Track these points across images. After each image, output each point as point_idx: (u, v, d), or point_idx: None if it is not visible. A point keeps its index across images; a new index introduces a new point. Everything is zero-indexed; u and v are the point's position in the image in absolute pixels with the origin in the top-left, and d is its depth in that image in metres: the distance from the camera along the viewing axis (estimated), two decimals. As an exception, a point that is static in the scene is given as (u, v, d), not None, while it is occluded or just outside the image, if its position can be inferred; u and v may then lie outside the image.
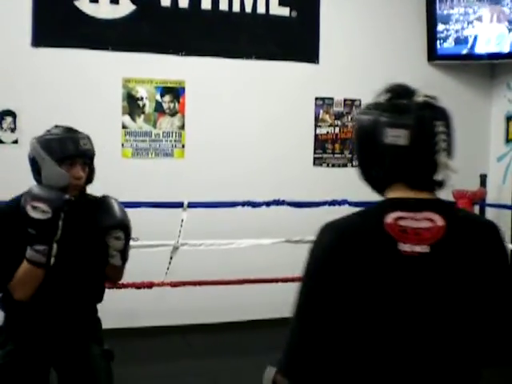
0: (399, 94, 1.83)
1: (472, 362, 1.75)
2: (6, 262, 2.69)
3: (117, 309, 6.03)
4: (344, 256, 1.68)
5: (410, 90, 1.84)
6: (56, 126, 2.92)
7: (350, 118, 6.79)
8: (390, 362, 1.68)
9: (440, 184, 1.79)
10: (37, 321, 2.83)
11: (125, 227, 2.88)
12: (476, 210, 6.67)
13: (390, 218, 1.70)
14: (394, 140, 1.73)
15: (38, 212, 2.60)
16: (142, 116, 6.23)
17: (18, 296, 2.72)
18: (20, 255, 2.67)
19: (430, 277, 1.68)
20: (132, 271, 5.53)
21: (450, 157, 1.81)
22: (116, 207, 2.90)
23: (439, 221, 1.71)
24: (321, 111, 6.73)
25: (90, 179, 2.91)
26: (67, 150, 2.76)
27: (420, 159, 1.74)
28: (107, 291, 5.62)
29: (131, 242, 3.00)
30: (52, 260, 2.66)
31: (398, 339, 1.67)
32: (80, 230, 2.85)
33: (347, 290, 1.67)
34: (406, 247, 1.67)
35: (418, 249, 1.67)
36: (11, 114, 5.87)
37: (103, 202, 2.91)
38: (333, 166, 6.80)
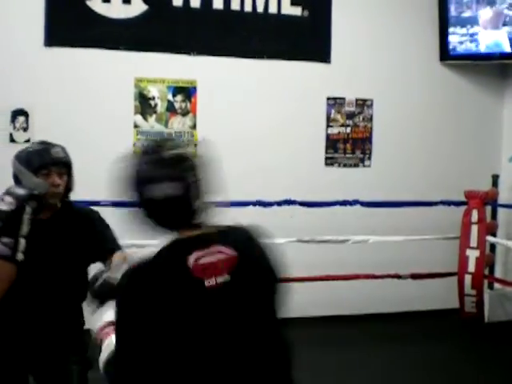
0: (158, 147, 1.97)
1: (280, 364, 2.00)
2: None
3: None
4: (155, 301, 1.81)
5: (164, 142, 2.03)
6: (32, 143, 3.13)
7: (361, 117, 6.78)
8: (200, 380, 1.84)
9: (203, 222, 1.97)
10: (17, 323, 2.92)
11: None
12: (488, 210, 6.65)
13: (191, 260, 1.85)
14: (154, 194, 1.89)
15: (4, 204, 2.70)
16: (154, 115, 6.24)
17: None
18: None
19: (233, 300, 1.88)
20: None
21: (202, 197, 1.97)
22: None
23: (229, 251, 1.91)
24: (332, 111, 6.72)
25: (69, 187, 3.03)
26: (40, 160, 2.88)
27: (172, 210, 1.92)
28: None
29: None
30: (20, 256, 2.71)
31: (205, 360, 1.83)
32: (62, 237, 2.97)
33: (161, 329, 1.80)
34: (210, 282, 1.84)
35: (220, 279, 1.86)
36: (24, 113, 5.89)
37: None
38: (344, 165, 6.79)
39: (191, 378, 1.84)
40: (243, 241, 2.03)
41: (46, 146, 2.96)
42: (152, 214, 1.92)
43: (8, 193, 2.72)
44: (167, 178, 1.87)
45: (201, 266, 1.85)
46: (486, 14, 6.61)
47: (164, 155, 1.91)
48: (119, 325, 1.88)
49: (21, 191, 2.74)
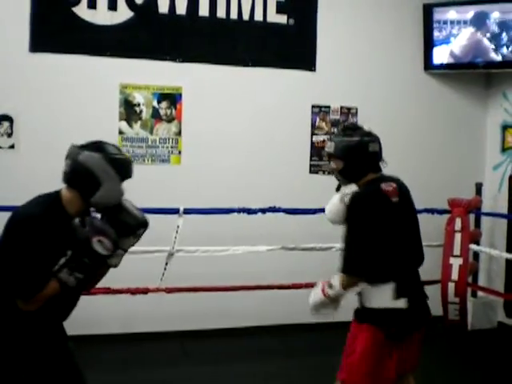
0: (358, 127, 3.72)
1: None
2: (42, 272, 2.75)
3: (112, 314, 6.04)
4: (374, 205, 3.37)
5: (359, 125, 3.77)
6: (113, 146, 3.05)
7: (346, 125, 6.79)
8: (398, 254, 3.44)
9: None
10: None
11: (147, 224, 3.06)
12: (471, 218, 6.69)
13: (382, 186, 3.41)
14: (373, 149, 3.54)
15: (102, 247, 2.78)
16: (139, 122, 6.24)
17: (30, 308, 2.76)
18: (47, 266, 2.76)
19: (402, 209, 3.46)
20: (127, 277, 5.54)
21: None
22: (134, 207, 3.09)
23: (394, 185, 3.45)
24: (317, 119, 6.74)
25: None
26: (130, 172, 2.97)
27: (381, 158, 3.59)
28: (103, 297, 5.62)
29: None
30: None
31: (398, 242, 3.42)
32: None
33: (378, 223, 3.34)
34: (392, 199, 3.40)
35: (395, 199, 3.41)
36: (8, 118, 5.87)
37: (121, 205, 3.04)
38: (329, 173, 6.76)
39: (390, 250, 3.40)
40: (398, 181, 3.55)
41: (130, 159, 3.05)
42: (368, 162, 3.52)
43: (105, 233, 2.79)
44: (376, 140, 3.57)
45: (386, 190, 3.39)
46: (470, 23, 6.67)
47: (369, 129, 3.64)
48: (363, 219, 3.37)
49: (114, 236, 2.81)
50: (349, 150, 3.48)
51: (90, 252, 2.76)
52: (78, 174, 2.83)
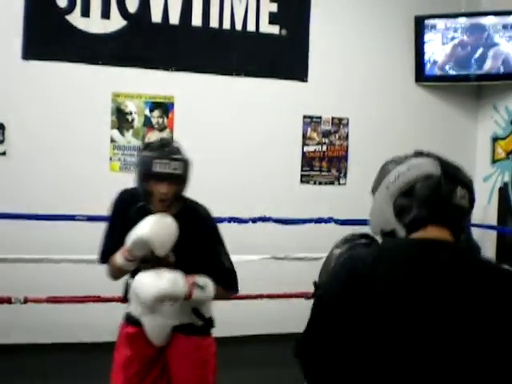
0: None
1: None
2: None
3: (102, 322, 6.03)
4: None
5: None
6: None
7: (337, 136, 6.82)
8: None
9: None
10: None
11: None
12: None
13: None
14: None
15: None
16: (131, 130, 6.25)
17: None
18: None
19: None
20: (117, 285, 5.52)
21: None
22: None
23: None
24: (309, 129, 6.77)
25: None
26: None
27: None
28: (93, 305, 5.60)
29: None
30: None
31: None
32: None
33: None
34: None
35: None
36: (0, 125, 5.87)
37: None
38: (320, 183, 6.83)
39: None
40: None
41: None
42: None
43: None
44: None
45: None
46: (461, 35, 6.71)
47: None
48: None
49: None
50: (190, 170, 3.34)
51: None
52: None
